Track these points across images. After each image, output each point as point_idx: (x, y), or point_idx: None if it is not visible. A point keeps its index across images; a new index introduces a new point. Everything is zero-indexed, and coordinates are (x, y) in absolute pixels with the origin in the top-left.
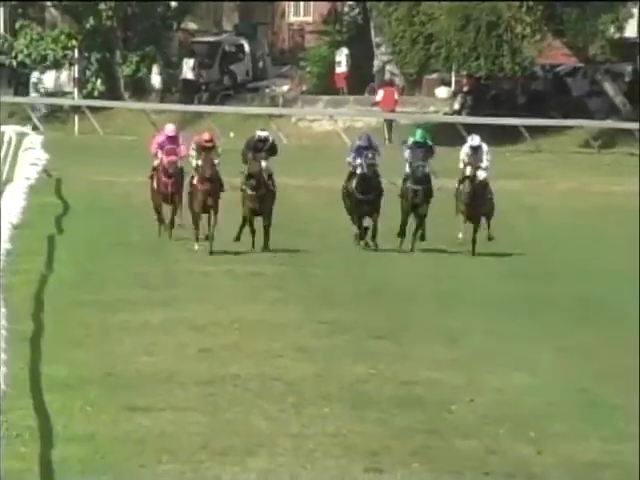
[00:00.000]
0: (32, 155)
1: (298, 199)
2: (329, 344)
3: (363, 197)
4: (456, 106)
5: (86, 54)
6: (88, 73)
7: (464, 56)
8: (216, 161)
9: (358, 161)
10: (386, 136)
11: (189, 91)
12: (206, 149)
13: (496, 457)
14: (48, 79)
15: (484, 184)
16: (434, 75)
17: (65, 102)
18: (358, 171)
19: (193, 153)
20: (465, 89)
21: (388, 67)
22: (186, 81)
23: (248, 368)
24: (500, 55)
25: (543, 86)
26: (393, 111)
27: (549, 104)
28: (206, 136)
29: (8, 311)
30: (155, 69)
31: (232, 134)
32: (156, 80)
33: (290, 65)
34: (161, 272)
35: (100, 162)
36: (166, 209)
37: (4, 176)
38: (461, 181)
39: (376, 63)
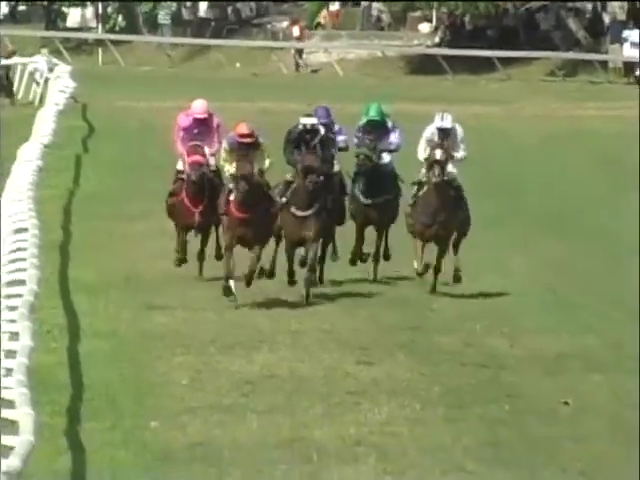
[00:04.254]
0: (61, 83)
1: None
2: None
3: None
4: (437, 40)
5: None
6: (110, 10)
7: None
8: (264, 165)
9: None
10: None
11: (202, 27)
12: (243, 149)
13: (472, 350)
14: (74, 15)
15: (456, 184)
16: (417, 12)
17: (90, 36)
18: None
19: (224, 155)
20: (445, 25)
21: (375, 5)
22: (200, 18)
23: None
24: None
25: (514, 21)
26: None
27: (519, 38)
28: (243, 128)
29: (40, 222)
30: (169, 6)
31: (238, 64)
32: (165, 19)
33: (289, 4)
34: None
35: (121, 89)
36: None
37: (37, 102)
38: (425, 173)
39: (363, 2)
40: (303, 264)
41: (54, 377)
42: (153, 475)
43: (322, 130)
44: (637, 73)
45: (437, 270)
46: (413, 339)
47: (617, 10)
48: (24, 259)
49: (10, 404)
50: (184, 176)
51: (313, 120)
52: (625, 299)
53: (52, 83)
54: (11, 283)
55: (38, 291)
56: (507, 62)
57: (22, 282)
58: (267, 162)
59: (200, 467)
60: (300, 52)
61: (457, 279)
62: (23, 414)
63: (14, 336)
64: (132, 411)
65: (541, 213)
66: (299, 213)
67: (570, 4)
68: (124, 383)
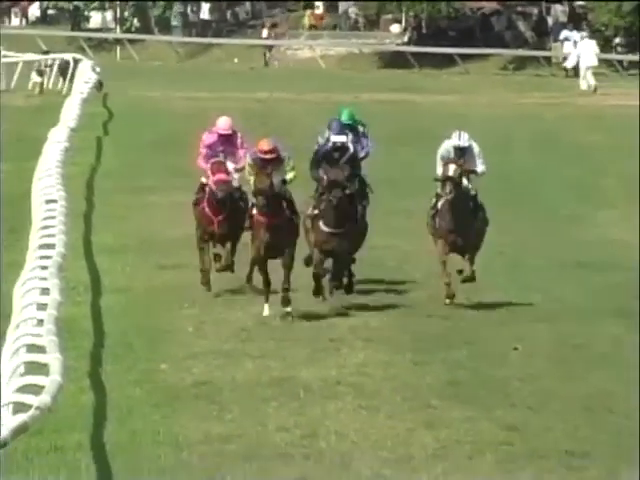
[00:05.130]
0: (85, 75)
1: (288, 110)
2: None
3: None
4: (405, 39)
5: None
6: (127, 13)
7: (412, 1)
8: (286, 177)
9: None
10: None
11: (205, 27)
12: (265, 164)
13: (436, 304)
14: (96, 18)
15: (474, 196)
16: (389, 15)
17: (109, 35)
18: None
19: (248, 168)
20: (412, 26)
21: (351, 9)
22: (203, 20)
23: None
24: (440, 0)
25: (472, 23)
26: None
27: (476, 37)
28: (265, 145)
29: (67, 194)
30: (176, 9)
31: (236, 60)
32: (178, 20)
33: (280, 8)
34: (188, 162)
35: (136, 81)
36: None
37: (64, 91)
38: (441, 188)
39: (342, 6)
40: (329, 274)
41: (79, 326)
42: (163, 411)
43: (352, 148)
44: (567, 65)
45: (470, 274)
46: (386, 294)
47: (559, 14)
48: (53, 226)
49: (41, 349)
50: (207, 189)
51: (343, 138)
52: (564, 259)
53: (77, 75)
54: (42, 246)
55: (65, 253)
56: (466, 58)
57: (52, 246)
58: (290, 175)
59: (203, 404)
60: (270, 49)
61: (469, 278)
62: (53, 358)
63: (45, 291)
64: (145, 355)
65: (491, 184)
66: (327, 229)
67: (519, 8)
68: (138, 331)
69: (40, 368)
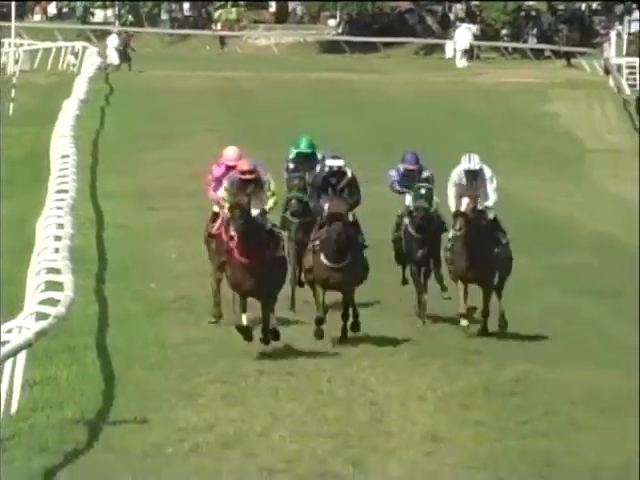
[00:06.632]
0: (91, 59)
1: (248, 85)
2: None
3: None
4: (340, 30)
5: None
6: (123, 11)
7: (345, 1)
8: (265, 207)
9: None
10: None
11: (185, 22)
12: (244, 186)
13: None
14: (99, 14)
15: (493, 223)
16: (327, 12)
17: (110, 28)
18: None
19: (225, 195)
20: (345, 20)
21: (298, 8)
22: (184, 16)
23: None
24: (366, 0)
25: (391, 19)
26: None
27: (394, 29)
28: (244, 165)
29: (77, 150)
30: (165, 7)
31: (208, 47)
32: (165, 16)
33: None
34: (173, 128)
35: (132, 63)
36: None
37: (76, 70)
38: (452, 223)
39: (291, 5)
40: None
41: (87, 254)
42: (152, 320)
43: (349, 172)
44: (453, 49)
45: (484, 314)
46: None
47: (459, 11)
48: (67, 175)
49: (57, 272)
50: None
51: (339, 162)
52: None
53: (85, 59)
54: (58, 191)
55: (76, 197)
56: (386, 45)
57: (65, 191)
58: (271, 202)
59: (184, 314)
60: (223, 40)
61: (503, 324)
62: (66, 278)
63: (60, 226)
64: (139, 276)
65: (404, 142)
66: (329, 264)
67: (428, 7)
68: (133, 257)
69: (56, 286)
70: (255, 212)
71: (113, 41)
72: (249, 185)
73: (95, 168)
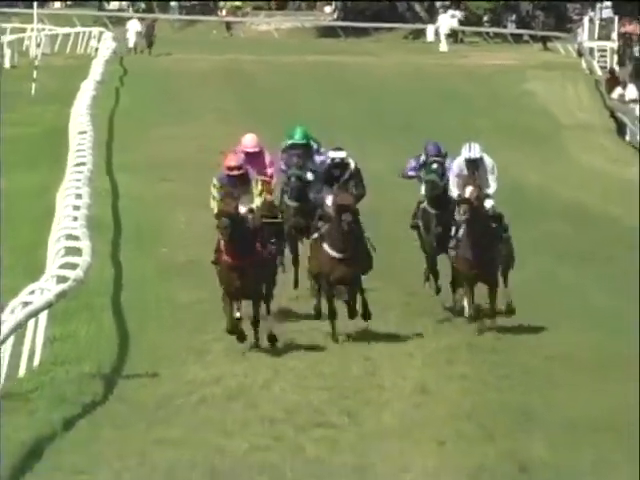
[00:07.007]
0: (107, 43)
1: (250, 67)
2: None
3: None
4: (335, 16)
5: None
6: None
7: None
8: (253, 206)
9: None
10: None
11: (193, 8)
12: (232, 183)
13: None
14: (114, 1)
15: (495, 216)
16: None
17: (124, 14)
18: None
19: (213, 192)
20: (340, 8)
21: None
22: (192, 3)
23: None
24: None
25: (382, 6)
26: None
27: (385, 16)
28: (231, 161)
29: (94, 127)
30: None
31: (215, 31)
32: (174, 3)
33: None
34: (181, 106)
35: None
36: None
37: (93, 54)
38: (457, 210)
39: None
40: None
41: (103, 221)
42: (164, 282)
43: (352, 164)
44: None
45: (492, 313)
46: None
47: None
48: (84, 150)
49: (76, 238)
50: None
51: (342, 154)
52: None
53: (101, 44)
54: (77, 164)
55: (92, 169)
56: (378, 30)
57: (83, 163)
58: (258, 200)
59: (192, 277)
60: (229, 26)
61: (510, 311)
62: (84, 244)
63: (78, 196)
64: (151, 242)
65: (400, 129)
66: (335, 255)
67: None
68: (146, 225)
69: (75, 251)
70: (243, 210)
71: (134, 25)
72: (237, 182)
73: (110, 144)
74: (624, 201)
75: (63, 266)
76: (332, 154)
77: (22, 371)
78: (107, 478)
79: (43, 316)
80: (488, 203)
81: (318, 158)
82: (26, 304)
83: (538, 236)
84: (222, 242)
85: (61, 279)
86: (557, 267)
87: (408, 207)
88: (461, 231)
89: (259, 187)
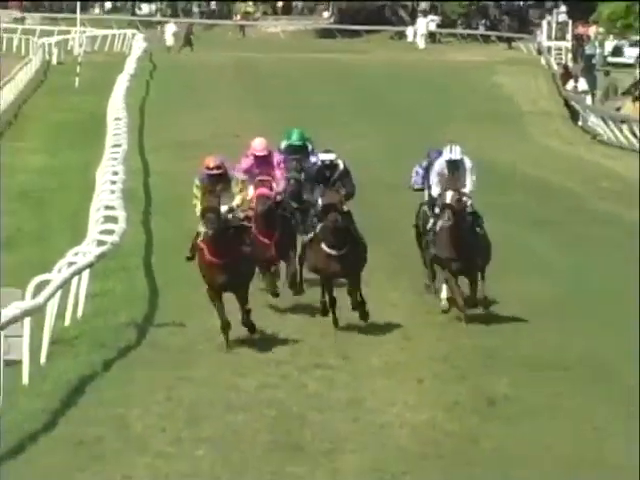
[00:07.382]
0: (138, 43)
1: (260, 63)
2: None
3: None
4: (332, 20)
5: None
6: (163, 5)
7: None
8: (232, 204)
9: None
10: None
11: (212, 13)
12: (212, 182)
13: None
14: (145, 8)
15: (473, 214)
16: (322, 5)
17: (153, 19)
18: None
19: (195, 191)
20: (336, 13)
21: (299, 2)
22: (210, 9)
23: None
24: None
25: (370, 12)
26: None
27: (374, 19)
28: (210, 161)
29: (128, 115)
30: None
31: (230, 33)
32: (196, 9)
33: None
34: (202, 96)
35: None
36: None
37: (127, 52)
38: (437, 214)
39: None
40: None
41: (135, 194)
42: (189, 246)
43: (341, 165)
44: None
45: (473, 304)
46: None
47: (424, 5)
48: (120, 134)
49: (113, 208)
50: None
51: (331, 156)
52: None
53: (134, 44)
54: (113, 145)
55: (127, 150)
56: (369, 32)
57: (119, 145)
58: (238, 198)
59: None
60: (242, 28)
61: (485, 304)
62: (120, 214)
63: (114, 173)
64: (177, 211)
65: (381, 106)
66: (330, 251)
67: (401, 3)
68: (172, 198)
69: (112, 219)
70: (224, 208)
71: (171, 28)
72: (217, 181)
73: (142, 128)
74: (576, 175)
75: (102, 232)
76: (322, 156)
77: (67, 321)
78: (139, 411)
79: (85, 275)
80: (467, 201)
81: (311, 159)
82: (71, 264)
83: (506, 204)
84: (203, 240)
85: (100, 243)
86: (520, 230)
87: (386, 178)
88: (438, 226)
89: (239, 186)
